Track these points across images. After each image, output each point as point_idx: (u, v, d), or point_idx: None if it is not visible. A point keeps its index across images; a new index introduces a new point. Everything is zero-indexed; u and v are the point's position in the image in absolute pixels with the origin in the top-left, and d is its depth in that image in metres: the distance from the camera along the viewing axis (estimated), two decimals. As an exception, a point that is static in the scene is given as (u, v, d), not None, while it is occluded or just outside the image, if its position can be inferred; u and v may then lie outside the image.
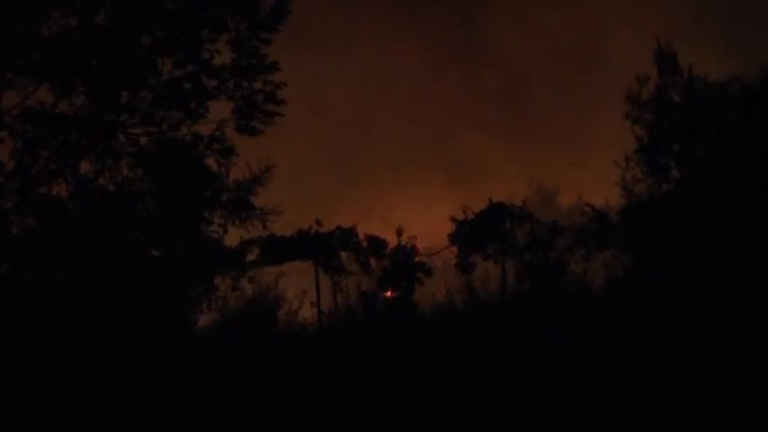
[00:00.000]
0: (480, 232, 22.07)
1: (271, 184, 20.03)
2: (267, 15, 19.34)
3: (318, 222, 21.94)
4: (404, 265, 21.80)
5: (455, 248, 22.25)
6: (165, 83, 19.16)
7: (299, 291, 21.06)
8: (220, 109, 19.58)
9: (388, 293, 21.69)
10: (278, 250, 21.37)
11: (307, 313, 21.24)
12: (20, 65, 18.48)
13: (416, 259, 21.95)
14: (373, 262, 22.06)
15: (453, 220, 22.26)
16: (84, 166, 19.24)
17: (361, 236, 22.21)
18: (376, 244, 22.11)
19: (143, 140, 19.38)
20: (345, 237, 22.07)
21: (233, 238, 20.40)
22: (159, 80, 19.15)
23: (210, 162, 19.69)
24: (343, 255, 22.15)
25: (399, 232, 22.07)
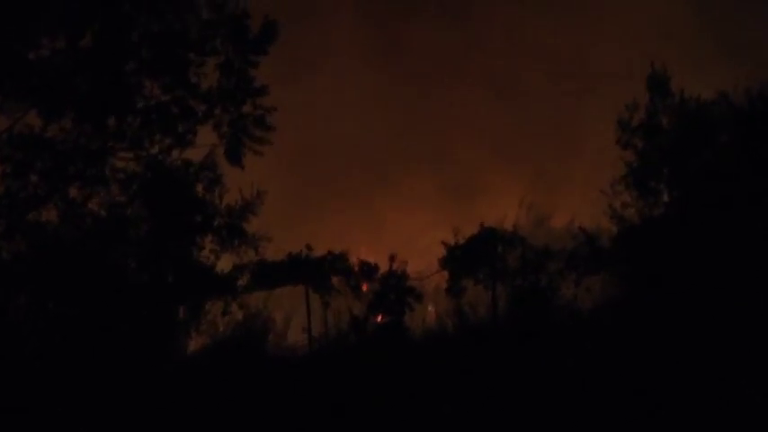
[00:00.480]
0: (471, 257, 22.05)
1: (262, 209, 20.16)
2: (256, 37, 19.41)
3: (309, 247, 21.93)
4: (395, 289, 21.79)
5: (446, 273, 22.21)
6: (153, 107, 19.21)
7: (290, 315, 21.07)
8: (211, 136, 19.74)
9: (379, 318, 21.68)
10: (269, 275, 21.35)
11: (298, 337, 21.23)
12: (8, 89, 18.52)
13: (407, 284, 21.93)
14: (364, 286, 22.04)
15: (444, 244, 22.25)
16: (74, 191, 19.27)
17: (353, 260, 22.22)
18: (367, 269, 22.10)
19: (132, 166, 19.47)
20: (337, 261, 22.06)
21: (225, 262, 20.46)
22: (147, 104, 19.21)
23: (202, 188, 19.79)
24: (335, 279, 22.14)
25: (392, 258, 22.07)
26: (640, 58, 22.01)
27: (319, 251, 21.92)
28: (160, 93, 19.27)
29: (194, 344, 20.01)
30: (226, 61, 19.46)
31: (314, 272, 21.77)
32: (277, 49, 19.65)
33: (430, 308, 22.30)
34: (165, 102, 19.29)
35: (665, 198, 21.35)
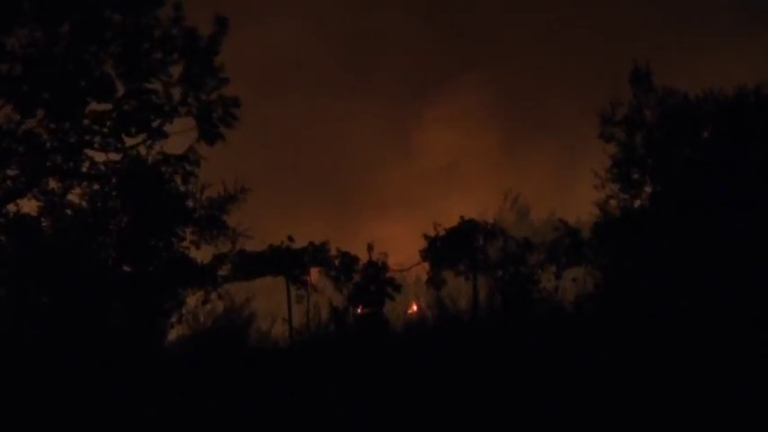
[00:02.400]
0: (452, 248, 22.07)
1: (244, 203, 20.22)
2: (208, 39, 19.64)
3: (290, 238, 21.92)
4: (374, 280, 21.78)
5: (426, 264, 22.23)
6: (123, 102, 19.34)
7: (271, 306, 21.06)
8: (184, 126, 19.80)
9: (359, 309, 21.67)
10: (250, 266, 21.34)
11: (278, 329, 21.21)
12: None
13: (387, 275, 21.92)
14: (344, 278, 22.05)
15: (425, 236, 22.26)
16: (53, 183, 19.26)
17: (333, 251, 22.20)
18: (347, 260, 22.09)
19: (109, 158, 19.54)
20: (317, 252, 22.04)
21: (206, 253, 20.46)
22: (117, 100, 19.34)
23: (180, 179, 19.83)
24: (315, 270, 22.14)
25: (370, 248, 22.07)
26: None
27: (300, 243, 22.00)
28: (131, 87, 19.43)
29: (174, 333, 19.99)
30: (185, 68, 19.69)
31: (294, 263, 21.77)
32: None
33: (413, 307, 22.31)
34: (137, 96, 19.46)
35: (647, 190, 21.42)
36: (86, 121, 19.28)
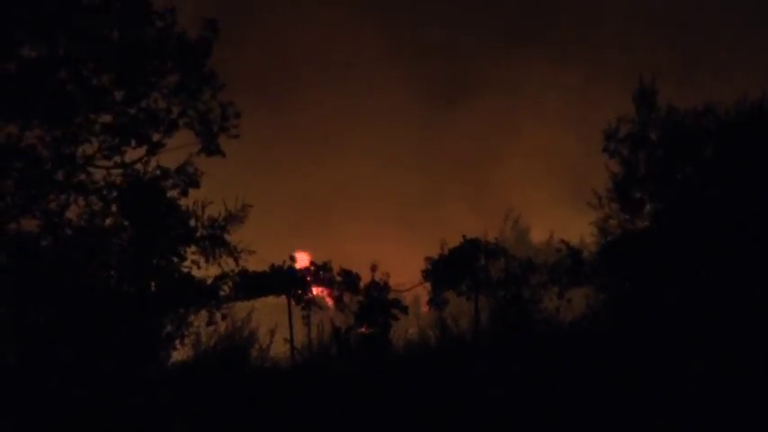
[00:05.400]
0: (454, 268, 22.05)
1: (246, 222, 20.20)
2: (197, 42, 19.62)
3: (292, 258, 21.93)
4: (378, 301, 21.75)
5: (427, 284, 22.21)
6: (122, 113, 19.33)
7: (272, 326, 21.03)
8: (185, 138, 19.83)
9: (363, 329, 21.63)
10: (252, 285, 21.31)
11: (280, 349, 21.17)
12: None
13: (390, 295, 21.90)
14: (347, 298, 22.01)
15: (427, 258, 22.26)
16: (51, 201, 19.22)
17: (335, 270, 22.20)
18: (350, 279, 22.07)
19: (106, 174, 19.47)
20: (319, 272, 22.04)
21: (207, 272, 20.43)
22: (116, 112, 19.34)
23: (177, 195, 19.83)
24: (317, 290, 22.11)
25: (373, 268, 22.04)
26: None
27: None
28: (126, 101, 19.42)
29: (177, 355, 19.93)
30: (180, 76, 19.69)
31: (296, 282, 21.76)
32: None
33: (414, 327, 22.25)
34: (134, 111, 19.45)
35: (648, 210, 21.43)
36: (85, 133, 19.21)
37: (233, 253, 20.06)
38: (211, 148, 19.72)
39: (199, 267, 20.03)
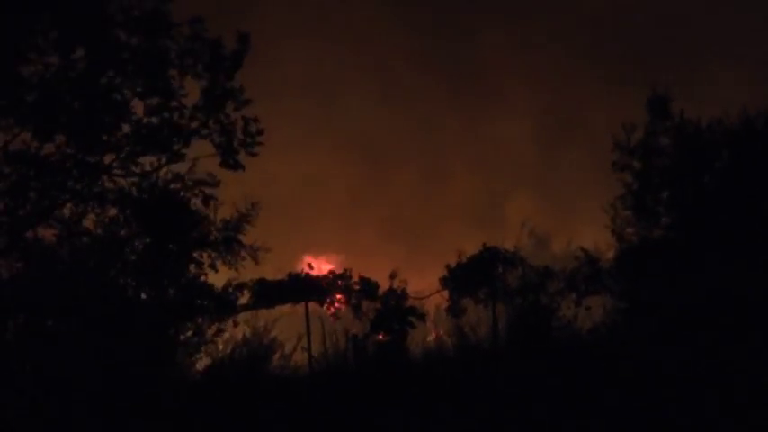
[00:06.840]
0: (472, 276, 22.06)
1: (258, 222, 20.27)
2: (231, 54, 19.64)
3: (310, 266, 21.99)
4: (395, 308, 21.75)
5: (445, 292, 22.22)
6: (142, 125, 19.45)
7: (291, 335, 21.04)
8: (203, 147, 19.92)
9: (380, 336, 21.63)
10: (269, 294, 21.37)
11: (297, 356, 21.18)
12: (2, 106, 18.59)
13: (407, 303, 21.91)
14: (365, 305, 22.03)
15: (446, 266, 22.28)
16: (69, 210, 19.33)
17: (354, 278, 22.25)
18: (368, 286, 22.09)
19: (124, 182, 19.67)
20: (337, 280, 22.08)
21: (223, 276, 20.53)
22: (138, 121, 19.45)
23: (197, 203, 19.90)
24: (335, 297, 22.16)
25: (393, 275, 22.06)
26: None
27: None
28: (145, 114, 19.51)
29: (200, 364, 19.97)
30: (209, 82, 19.74)
31: (314, 290, 21.79)
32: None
33: (432, 335, 22.22)
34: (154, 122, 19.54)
35: (664, 220, 21.37)
36: (105, 143, 19.37)
37: (250, 252, 20.13)
38: (230, 162, 19.78)
39: (216, 271, 20.12)
